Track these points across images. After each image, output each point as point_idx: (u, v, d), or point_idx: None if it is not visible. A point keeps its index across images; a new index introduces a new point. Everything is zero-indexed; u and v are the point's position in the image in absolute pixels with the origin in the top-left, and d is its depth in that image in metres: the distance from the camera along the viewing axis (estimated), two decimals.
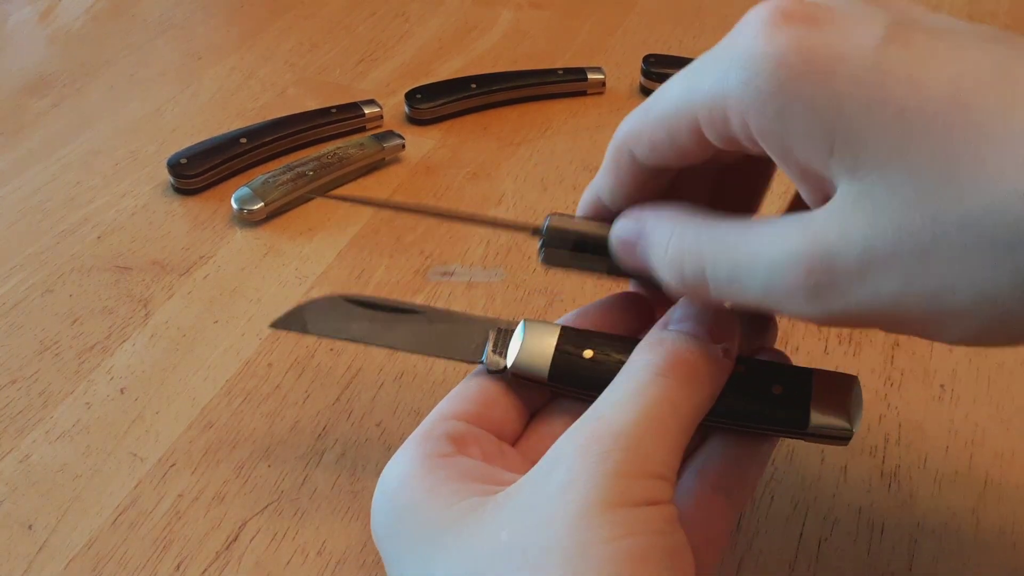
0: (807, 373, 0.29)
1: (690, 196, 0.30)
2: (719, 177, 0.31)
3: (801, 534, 0.35)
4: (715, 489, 0.28)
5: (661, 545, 0.23)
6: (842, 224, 0.22)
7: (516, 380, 0.30)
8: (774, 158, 0.23)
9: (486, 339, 0.31)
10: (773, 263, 0.23)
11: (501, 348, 0.31)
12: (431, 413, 0.30)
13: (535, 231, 0.32)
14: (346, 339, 0.33)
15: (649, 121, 0.27)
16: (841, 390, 0.29)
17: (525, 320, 0.31)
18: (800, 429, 0.28)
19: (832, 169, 0.22)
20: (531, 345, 0.30)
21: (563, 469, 0.24)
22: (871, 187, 0.21)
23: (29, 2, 0.74)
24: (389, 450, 0.38)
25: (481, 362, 0.31)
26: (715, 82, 0.23)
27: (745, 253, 0.24)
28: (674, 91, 0.26)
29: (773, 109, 0.22)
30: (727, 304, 0.28)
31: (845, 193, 0.22)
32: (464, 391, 0.30)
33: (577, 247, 0.31)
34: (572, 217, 0.31)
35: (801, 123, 0.22)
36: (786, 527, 0.35)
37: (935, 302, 0.21)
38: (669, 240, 0.26)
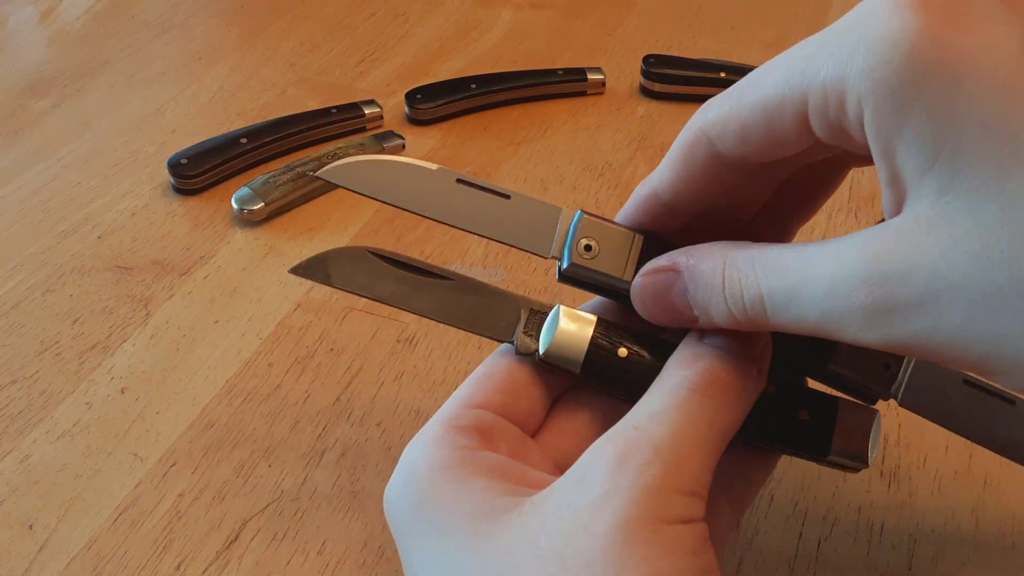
0: (833, 401, 0.29)
1: (746, 201, 0.29)
2: (780, 184, 0.30)
3: (801, 534, 0.35)
4: (719, 491, 0.28)
5: (695, 566, 0.23)
6: (910, 247, 0.21)
7: (543, 365, 0.29)
8: (874, 153, 0.22)
9: (517, 318, 0.30)
10: (832, 283, 0.22)
11: (533, 331, 0.30)
12: (456, 394, 0.29)
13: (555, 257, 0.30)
14: (371, 297, 0.31)
15: (743, 107, 0.25)
16: (863, 422, 0.29)
17: (560, 306, 0.29)
18: (821, 457, 0.29)
19: (924, 183, 0.21)
20: (566, 334, 0.28)
21: (601, 478, 0.24)
22: (955, 212, 0.20)
23: (30, 2, 0.74)
24: (389, 450, 0.38)
25: (511, 342, 0.30)
26: (837, 63, 0.22)
27: (803, 275, 0.23)
28: (777, 74, 0.24)
29: (891, 104, 0.21)
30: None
31: (922, 214, 0.21)
32: (492, 375, 0.29)
33: (594, 289, 0.30)
34: (594, 257, 0.29)
35: (915, 126, 0.21)
36: (786, 527, 0.35)
37: (998, 346, 0.20)
38: (723, 270, 0.25)
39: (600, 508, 0.23)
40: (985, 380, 0.31)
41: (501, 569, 0.24)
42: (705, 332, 0.27)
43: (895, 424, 0.39)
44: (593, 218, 0.29)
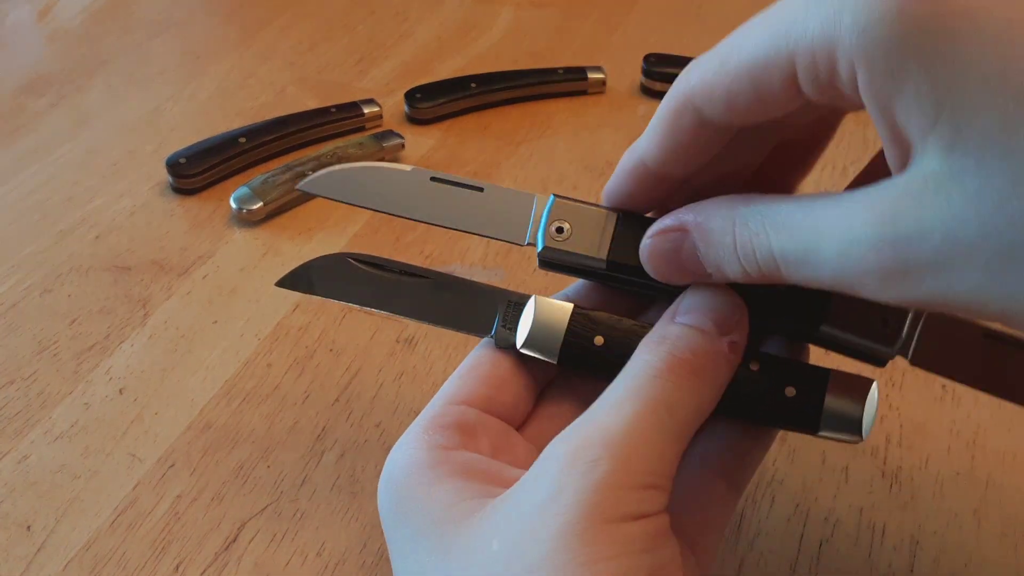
0: (823, 375, 0.28)
1: (735, 167, 0.28)
2: (773, 145, 0.29)
3: (802, 535, 0.35)
4: (716, 473, 0.27)
5: (645, 565, 0.23)
6: (920, 208, 0.20)
7: (525, 356, 0.30)
8: (871, 113, 0.22)
9: (495, 312, 0.30)
10: (842, 247, 0.21)
11: (511, 323, 0.30)
12: (442, 390, 0.29)
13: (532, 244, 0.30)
14: (352, 303, 0.32)
15: (728, 72, 0.23)
16: (856, 394, 0.28)
17: (535, 296, 0.30)
18: (810, 432, 0.28)
19: (928, 141, 0.20)
20: (542, 324, 0.29)
21: (550, 478, 0.23)
22: (963, 171, 0.20)
23: (27, 0, 0.73)
24: (388, 450, 0.38)
25: (491, 336, 0.30)
26: (825, 22, 0.21)
27: (814, 236, 0.22)
28: (760, 37, 0.23)
29: (886, 65, 0.20)
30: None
31: (930, 173, 0.20)
32: (475, 369, 0.29)
33: (575, 272, 0.30)
34: (567, 239, 0.29)
35: (913, 85, 0.20)
36: (787, 528, 0.35)
37: (1017, 301, 0.20)
38: (734, 228, 0.24)
39: (546, 511, 0.23)
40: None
41: (459, 574, 0.23)
42: (677, 309, 0.27)
43: (896, 425, 0.39)
44: (567, 201, 0.30)
